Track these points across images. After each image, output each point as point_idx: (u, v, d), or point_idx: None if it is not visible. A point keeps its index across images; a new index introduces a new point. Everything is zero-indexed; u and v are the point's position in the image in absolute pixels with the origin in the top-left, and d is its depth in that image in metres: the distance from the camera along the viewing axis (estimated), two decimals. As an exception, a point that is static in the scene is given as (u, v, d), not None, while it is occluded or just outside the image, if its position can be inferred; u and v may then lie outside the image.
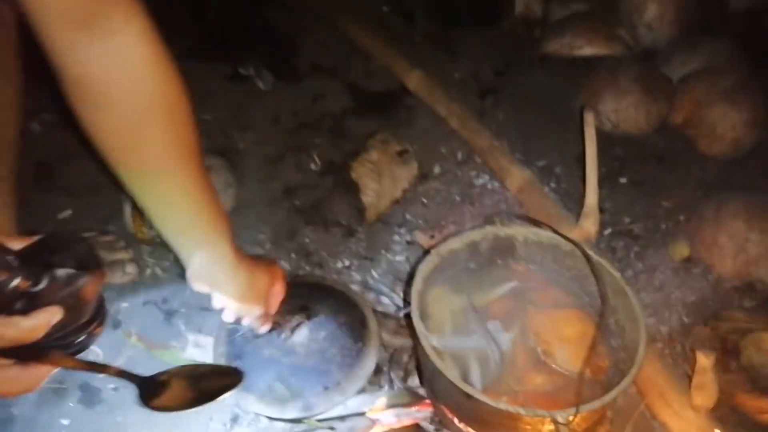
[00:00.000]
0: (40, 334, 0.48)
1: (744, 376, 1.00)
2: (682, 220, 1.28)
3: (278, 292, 0.88)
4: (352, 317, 0.98)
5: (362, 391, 0.96)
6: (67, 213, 1.23)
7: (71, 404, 0.95)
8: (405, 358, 0.99)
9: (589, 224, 1.14)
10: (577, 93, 1.53)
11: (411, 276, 0.98)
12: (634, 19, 1.67)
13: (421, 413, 0.88)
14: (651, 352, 1.00)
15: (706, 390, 0.91)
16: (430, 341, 0.73)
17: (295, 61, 1.62)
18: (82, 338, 0.56)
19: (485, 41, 1.74)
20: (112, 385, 0.98)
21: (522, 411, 0.64)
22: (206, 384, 0.64)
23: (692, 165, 1.40)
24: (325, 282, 1.09)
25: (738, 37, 1.60)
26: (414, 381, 0.96)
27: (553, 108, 1.52)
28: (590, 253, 0.78)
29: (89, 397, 0.97)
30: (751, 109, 1.36)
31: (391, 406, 0.90)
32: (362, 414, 0.90)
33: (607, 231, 1.26)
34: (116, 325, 1.05)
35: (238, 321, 0.86)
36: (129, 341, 1.03)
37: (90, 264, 0.52)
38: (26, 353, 0.51)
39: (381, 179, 1.30)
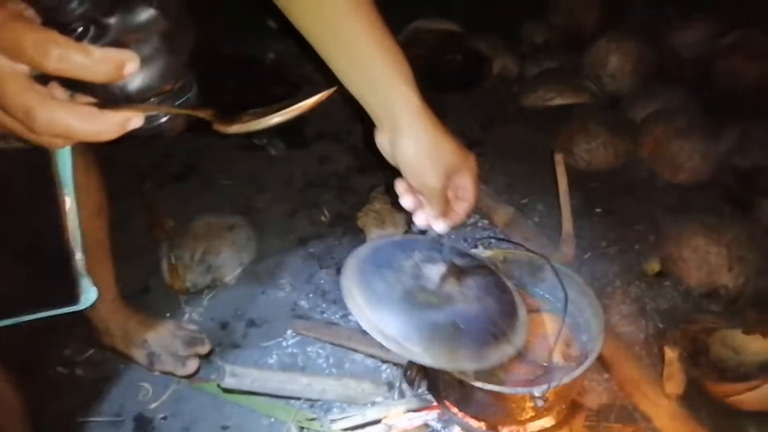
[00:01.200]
0: (110, 71, 0.39)
1: (713, 370, 1.13)
2: (652, 241, 1.44)
3: (468, 183, 0.73)
4: (501, 298, 0.85)
5: (374, 404, 1.10)
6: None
7: (128, 433, 1.11)
8: (413, 372, 1.13)
9: (567, 249, 1.31)
10: (554, 138, 1.72)
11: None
12: (599, 70, 1.90)
13: (429, 415, 1.02)
14: (629, 354, 1.14)
15: (674, 379, 1.05)
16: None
17: (303, 129, 1.84)
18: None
19: (470, 101, 1.96)
20: (161, 415, 1.13)
21: (505, 390, 0.79)
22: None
23: (658, 193, 1.58)
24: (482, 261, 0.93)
25: (690, 82, 1.81)
26: (421, 390, 1.11)
27: (532, 154, 1.72)
28: (555, 264, 0.94)
29: (143, 425, 1.12)
30: (702, 141, 1.55)
31: (404, 412, 1.04)
32: (378, 422, 1.04)
33: (587, 255, 1.42)
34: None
35: (415, 207, 0.75)
36: (175, 377, 1.19)
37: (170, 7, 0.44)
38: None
39: (384, 224, 1.48)
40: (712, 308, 1.29)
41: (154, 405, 1.14)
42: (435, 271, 0.80)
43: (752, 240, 1.32)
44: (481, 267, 0.87)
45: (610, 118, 1.69)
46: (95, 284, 1.13)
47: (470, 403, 0.89)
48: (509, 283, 0.89)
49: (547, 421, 0.89)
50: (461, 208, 0.75)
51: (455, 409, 0.92)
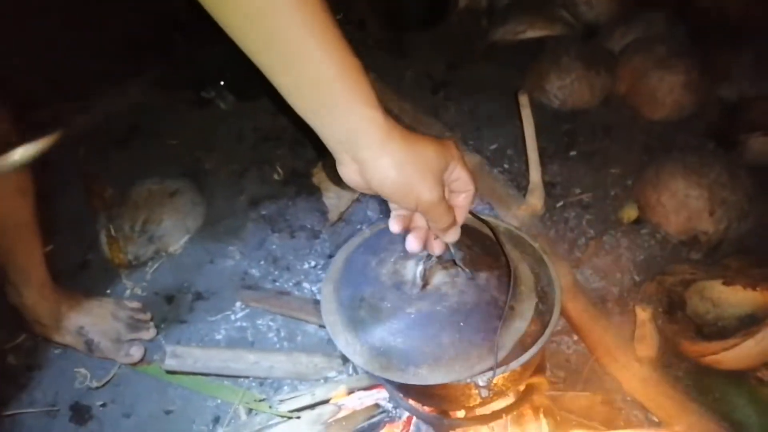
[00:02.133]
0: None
1: (690, 325, 1.05)
2: (630, 185, 1.33)
3: (459, 173, 0.64)
4: (493, 264, 0.75)
5: (327, 380, 1.03)
6: (48, 248, 1.30)
7: (64, 424, 1.03)
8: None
9: (534, 199, 1.20)
10: (525, 76, 1.59)
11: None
12: (575, -2, 1.73)
13: (380, 394, 0.94)
14: (600, 314, 1.06)
15: (646, 341, 0.97)
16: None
17: (253, 81, 1.69)
18: None
19: (435, 38, 1.80)
20: (100, 402, 1.06)
21: (446, 379, 0.69)
22: None
23: (638, 132, 1.46)
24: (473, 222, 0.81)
25: (673, 7, 1.66)
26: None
27: (502, 94, 1.58)
28: (500, 229, 0.82)
29: (80, 414, 1.04)
30: (685, 72, 1.42)
31: (353, 391, 0.96)
32: (327, 401, 0.97)
33: (560, 203, 1.32)
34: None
35: (406, 229, 0.65)
36: (116, 359, 1.11)
37: None
38: None
39: (341, 181, 1.37)
40: (692, 257, 1.20)
41: (92, 391, 1.07)
42: (415, 269, 0.71)
43: (736, 180, 1.21)
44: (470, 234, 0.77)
45: (586, 50, 1.55)
46: (21, 271, 1.04)
47: (411, 391, 0.80)
48: (496, 241, 0.79)
49: (502, 402, 0.80)
50: (463, 200, 0.66)
51: (399, 394, 0.83)
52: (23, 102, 1.64)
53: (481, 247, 0.77)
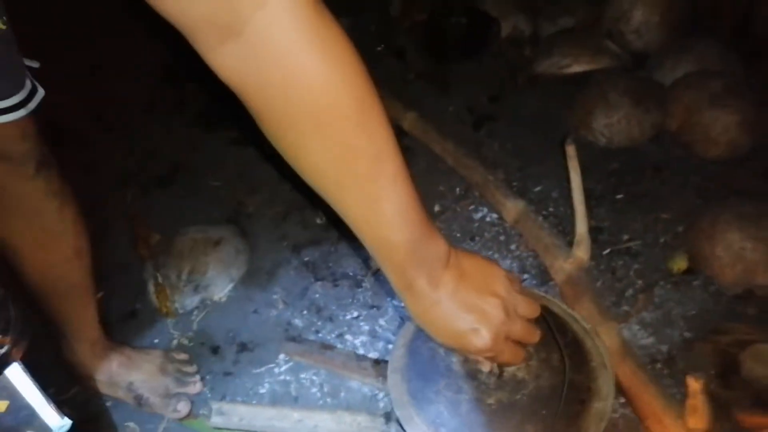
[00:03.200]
0: None
1: (747, 391, 1.01)
2: (681, 231, 1.29)
3: (516, 301, 0.64)
4: (567, 345, 0.75)
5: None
6: (100, 294, 1.34)
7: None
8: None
9: (581, 253, 1.17)
10: (570, 112, 1.55)
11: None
12: (621, 26, 1.69)
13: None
14: (649, 377, 1.03)
15: (698, 413, 0.93)
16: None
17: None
18: None
19: (477, 69, 1.78)
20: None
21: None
22: None
23: (690, 172, 1.41)
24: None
25: (728, 34, 1.59)
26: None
27: (547, 130, 1.55)
28: (555, 310, 0.81)
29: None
30: (741, 110, 1.36)
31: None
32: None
33: (606, 251, 1.29)
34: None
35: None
36: (164, 413, 1.13)
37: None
38: None
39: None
40: (748, 312, 1.15)
41: (141, 446, 1.10)
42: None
43: (796, 231, 1.16)
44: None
45: (634, 84, 1.50)
46: (75, 329, 1.07)
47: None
48: (563, 314, 0.81)
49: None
50: (522, 330, 0.65)
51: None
52: (66, 139, 1.71)
53: (546, 326, 0.76)
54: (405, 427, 0.73)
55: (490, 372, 0.72)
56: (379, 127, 0.54)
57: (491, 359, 0.67)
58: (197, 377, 1.15)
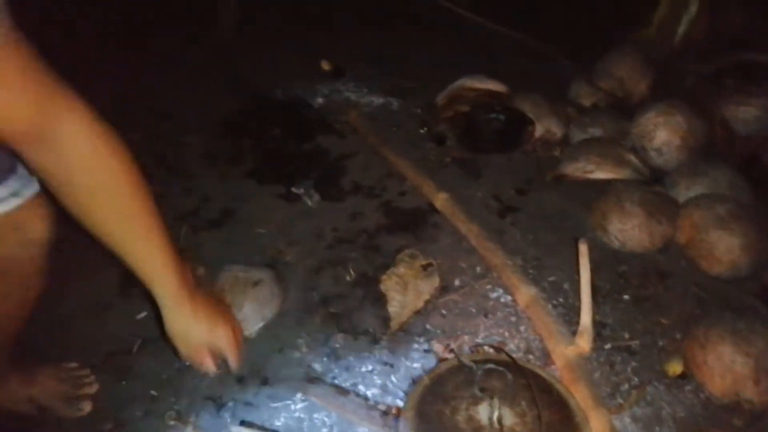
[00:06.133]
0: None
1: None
2: (678, 338, 1.39)
3: (224, 346, 0.94)
4: (551, 401, 0.92)
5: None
6: (142, 314, 1.48)
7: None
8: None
9: (582, 342, 1.28)
10: (589, 214, 1.70)
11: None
12: (645, 143, 1.86)
13: None
14: (633, 464, 1.12)
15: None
16: None
17: (340, 181, 1.88)
18: None
19: (509, 162, 1.95)
20: None
21: None
22: None
23: (692, 283, 1.53)
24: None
25: (741, 160, 1.75)
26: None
27: (566, 227, 1.70)
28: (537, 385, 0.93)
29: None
30: (744, 235, 1.49)
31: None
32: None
33: (607, 346, 1.39)
34: (179, 415, 1.26)
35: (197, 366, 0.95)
36: (186, 428, 1.24)
37: None
38: None
39: (406, 292, 1.50)
40: (734, 422, 1.24)
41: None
42: (490, 413, 0.86)
43: (784, 352, 1.26)
44: (518, 374, 0.89)
45: (649, 197, 1.65)
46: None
47: None
48: (548, 378, 0.96)
49: None
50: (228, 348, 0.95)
51: None
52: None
53: (540, 390, 0.88)
54: None
55: (492, 427, 0.83)
56: (148, 200, 0.79)
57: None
58: (92, 378, 1.28)
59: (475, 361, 0.93)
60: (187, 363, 0.96)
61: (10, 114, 0.64)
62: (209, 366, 0.94)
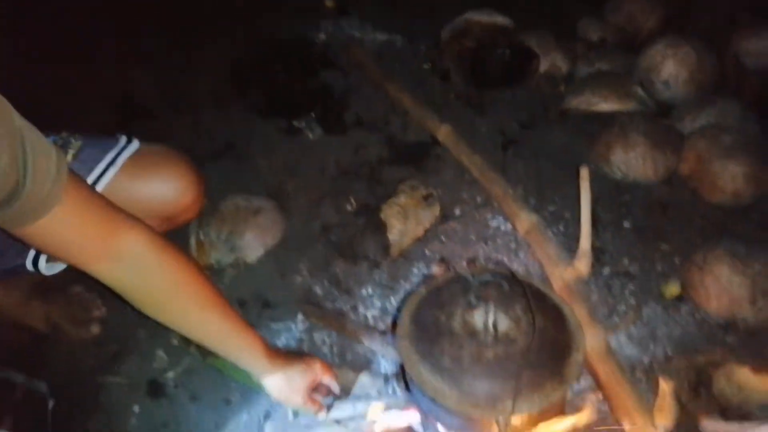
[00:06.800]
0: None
1: (713, 405, 1.11)
2: (677, 263, 1.40)
3: (320, 383, 1.08)
4: (548, 309, 0.93)
5: (370, 395, 1.15)
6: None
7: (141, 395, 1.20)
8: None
9: (581, 265, 1.29)
10: (592, 147, 1.68)
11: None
12: (652, 76, 1.82)
13: (413, 417, 1.05)
14: (626, 377, 1.13)
15: (665, 411, 1.04)
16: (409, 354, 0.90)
17: (343, 116, 1.87)
18: None
19: (513, 98, 1.92)
20: (173, 383, 1.22)
21: (469, 412, 0.81)
22: None
23: (694, 213, 1.52)
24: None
25: (751, 96, 1.71)
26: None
27: (569, 160, 1.67)
28: (528, 284, 0.95)
29: (155, 390, 1.21)
30: (748, 164, 1.47)
31: (390, 409, 1.08)
32: (365, 415, 1.09)
33: (606, 271, 1.40)
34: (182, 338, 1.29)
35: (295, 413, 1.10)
36: (189, 350, 1.27)
37: None
38: None
39: (406, 220, 1.50)
40: (728, 340, 1.25)
41: (167, 374, 1.23)
42: (485, 319, 0.87)
43: (782, 274, 1.26)
44: (513, 284, 0.92)
45: (654, 128, 1.63)
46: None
47: (441, 417, 0.92)
48: (543, 289, 0.96)
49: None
50: (322, 394, 1.09)
51: (431, 417, 0.95)
52: (136, 111, 1.90)
53: (535, 298, 0.90)
54: (416, 383, 0.85)
55: (486, 331, 0.84)
56: (214, 288, 0.89)
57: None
58: (98, 301, 1.32)
59: (472, 274, 0.94)
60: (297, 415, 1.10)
61: (85, 242, 0.74)
62: (323, 406, 1.07)
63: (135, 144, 1.03)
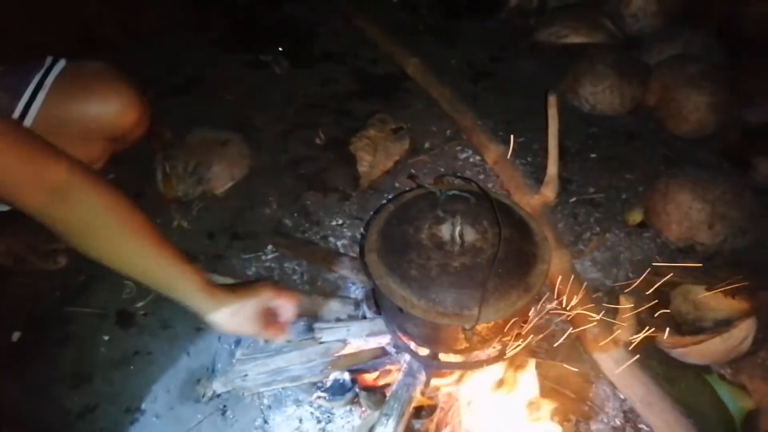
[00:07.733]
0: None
1: (671, 322, 1.15)
2: (641, 191, 1.43)
3: (281, 305, 0.94)
4: (513, 221, 0.96)
5: (341, 320, 1.16)
6: (110, 176, 1.47)
7: (110, 325, 1.20)
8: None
9: (548, 191, 1.31)
10: (561, 78, 1.68)
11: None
12: (621, 9, 1.82)
13: (384, 339, 1.07)
14: (588, 298, 1.17)
15: (625, 327, 1.08)
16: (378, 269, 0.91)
17: (310, 49, 1.83)
18: None
19: (483, 31, 1.90)
20: (142, 312, 1.22)
21: (437, 320, 0.83)
22: None
23: (659, 143, 1.55)
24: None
25: (716, 28, 1.72)
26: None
27: (538, 93, 1.66)
28: (495, 197, 0.96)
29: (125, 319, 1.21)
30: (712, 93, 1.50)
31: (362, 331, 1.10)
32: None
33: (573, 199, 1.43)
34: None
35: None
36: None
37: None
38: None
39: (376, 153, 1.50)
40: (687, 263, 1.29)
41: (136, 303, 1.23)
42: (452, 231, 0.87)
43: (740, 199, 1.30)
44: (480, 199, 0.93)
45: (622, 61, 1.63)
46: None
47: (409, 329, 0.93)
48: (510, 203, 0.98)
49: (492, 352, 0.93)
50: (283, 320, 0.96)
51: (399, 333, 0.97)
52: (97, 43, 1.82)
53: (502, 211, 0.91)
54: (385, 293, 0.86)
55: (453, 242, 0.85)
56: (150, 227, 0.83)
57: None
58: None
59: (440, 189, 0.94)
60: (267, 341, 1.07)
61: (15, 179, 0.72)
62: (283, 331, 0.95)
63: (61, 63, 0.98)
